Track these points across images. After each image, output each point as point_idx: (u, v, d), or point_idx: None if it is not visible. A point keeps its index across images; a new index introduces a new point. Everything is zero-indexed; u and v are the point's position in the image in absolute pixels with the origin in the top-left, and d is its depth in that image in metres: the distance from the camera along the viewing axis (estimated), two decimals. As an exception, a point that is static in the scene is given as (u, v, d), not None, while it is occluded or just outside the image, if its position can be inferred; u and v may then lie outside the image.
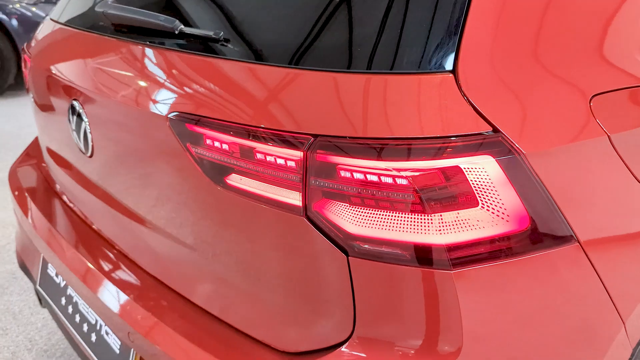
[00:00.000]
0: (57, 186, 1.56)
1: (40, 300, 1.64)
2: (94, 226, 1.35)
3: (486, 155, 0.79)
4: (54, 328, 2.18)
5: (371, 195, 0.78)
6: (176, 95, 0.96)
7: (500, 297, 0.83)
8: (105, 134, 1.16)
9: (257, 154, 0.84)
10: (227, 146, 0.87)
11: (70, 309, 1.39)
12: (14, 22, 5.09)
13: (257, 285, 0.93)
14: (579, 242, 0.85)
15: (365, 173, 0.78)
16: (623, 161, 0.91)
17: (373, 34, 0.83)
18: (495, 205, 0.79)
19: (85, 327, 1.33)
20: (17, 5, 5.17)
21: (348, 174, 0.79)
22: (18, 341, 2.11)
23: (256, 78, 0.88)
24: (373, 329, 0.84)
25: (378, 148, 0.77)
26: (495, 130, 0.79)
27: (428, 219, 0.78)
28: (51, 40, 1.41)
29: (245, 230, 0.91)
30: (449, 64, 0.80)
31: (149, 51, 1.05)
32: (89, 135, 1.20)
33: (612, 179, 0.90)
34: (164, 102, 0.96)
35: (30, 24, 5.12)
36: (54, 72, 1.31)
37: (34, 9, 5.26)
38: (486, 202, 0.79)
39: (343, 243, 0.81)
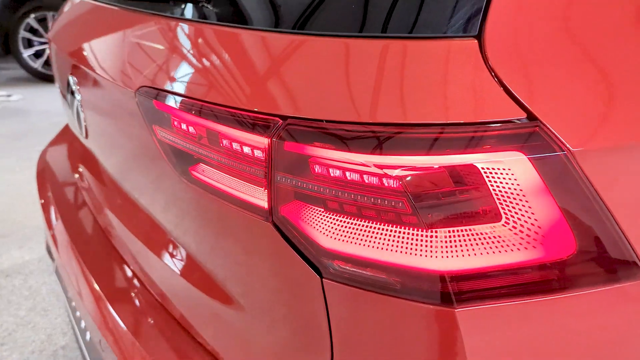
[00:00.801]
0: (76, 167, 1.47)
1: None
2: (98, 217, 1.24)
3: (516, 152, 0.56)
4: (91, 313, 2.13)
5: (352, 201, 0.59)
6: (145, 67, 0.80)
7: (530, 351, 0.60)
8: (94, 113, 1.03)
9: (222, 140, 0.67)
10: (192, 129, 0.70)
11: (73, 303, 1.29)
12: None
13: (227, 301, 0.76)
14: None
15: (344, 170, 0.58)
16: None
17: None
18: (526, 222, 0.57)
19: (82, 324, 1.22)
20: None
21: (324, 171, 0.59)
22: (56, 324, 2.08)
23: (227, 43, 0.70)
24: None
25: (361, 137, 0.57)
26: (532, 117, 0.57)
27: (426, 236, 0.57)
28: (62, 12, 1.31)
29: (213, 233, 0.74)
30: (472, 27, 0.59)
31: (131, 17, 0.90)
32: (81, 114, 1.07)
33: None
34: (133, 75, 0.81)
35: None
36: (56, 44, 1.20)
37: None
38: (513, 216, 0.57)
39: (316, 260, 0.62)
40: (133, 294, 0.99)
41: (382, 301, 0.59)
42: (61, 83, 1.30)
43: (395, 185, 0.56)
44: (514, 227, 0.57)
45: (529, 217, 0.57)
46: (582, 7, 0.61)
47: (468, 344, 0.57)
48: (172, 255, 0.88)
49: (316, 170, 0.59)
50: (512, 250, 0.57)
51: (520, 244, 0.57)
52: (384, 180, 0.56)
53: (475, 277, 0.57)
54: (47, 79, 5.74)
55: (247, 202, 0.65)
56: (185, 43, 0.76)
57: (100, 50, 0.94)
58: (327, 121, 0.59)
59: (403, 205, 0.56)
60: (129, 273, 1.04)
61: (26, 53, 5.70)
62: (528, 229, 0.57)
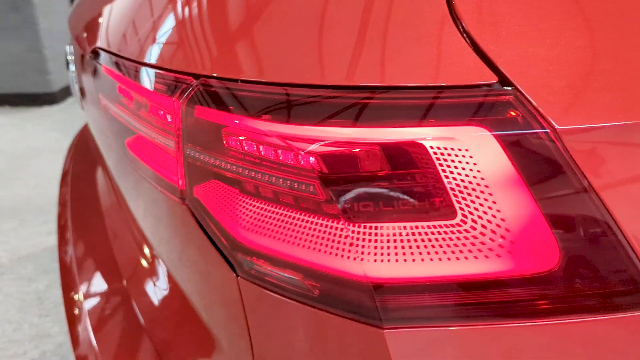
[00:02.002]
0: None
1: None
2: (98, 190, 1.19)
3: (479, 127, 0.42)
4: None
5: (268, 183, 0.46)
6: (98, 28, 0.72)
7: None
8: (80, 86, 0.97)
9: (141, 105, 0.57)
10: (123, 93, 0.61)
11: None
12: None
13: (161, 277, 0.67)
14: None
15: (261, 143, 0.46)
16: None
17: None
18: (490, 222, 0.43)
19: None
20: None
21: (238, 144, 0.48)
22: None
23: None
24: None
25: (274, 101, 0.45)
26: (505, 83, 0.42)
27: (351, 232, 0.44)
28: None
29: (151, 214, 0.65)
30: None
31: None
32: (75, 86, 1.02)
33: None
34: (91, 37, 0.73)
35: None
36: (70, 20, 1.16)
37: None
38: (472, 213, 0.43)
39: (229, 255, 0.50)
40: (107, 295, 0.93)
41: (299, 310, 0.47)
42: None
43: (311, 165, 0.43)
44: (472, 227, 0.43)
45: (494, 216, 0.42)
46: None
47: (402, 375, 0.44)
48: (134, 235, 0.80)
49: (229, 143, 0.48)
50: (469, 258, 0.43)
51: (481, 250, 0.43)
52: (299, 158, 0.44)
53: (416, 290, 0.43)
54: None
55: (166, 180, 0.55)
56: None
57: (80, 20, 0.88)
58: (241, 81, 0.47)
59: (316, 190, 0.43)
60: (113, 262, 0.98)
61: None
62: (492, 231, 0.43)
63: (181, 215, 0.54)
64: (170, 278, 0.70)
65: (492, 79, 0.42)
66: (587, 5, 0.43)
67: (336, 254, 0.44)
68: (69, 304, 0.84)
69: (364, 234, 0.43)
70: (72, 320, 0.81)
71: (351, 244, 0.43)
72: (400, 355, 0.43)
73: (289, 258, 0.46)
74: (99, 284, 0.89)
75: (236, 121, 0.47)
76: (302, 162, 0.43)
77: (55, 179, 3.04)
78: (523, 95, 0.41)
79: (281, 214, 0.46)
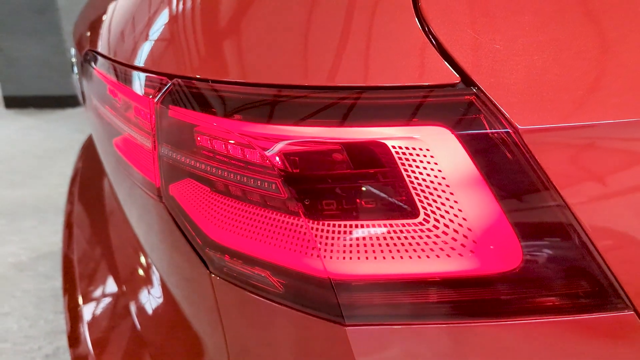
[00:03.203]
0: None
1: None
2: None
3: (440, 127, 0.42)
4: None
5: (236, 182, 0.47)
6: (90, 31, 0.73)
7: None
8: (82, 82, 0.99)
9: (126, 105, 0.58)
10: (111, 94, 0.63)
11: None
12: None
13: (153, 279, 0.68)
14: (635, 310, 0.43)
15: (227, 142, 0.47)
16: None
17: None
18: (452, 221, 0.43)
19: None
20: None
21: (209, 143, 0.49)
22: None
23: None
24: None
25: (251, 101, 0.46)
26: (468, 83, 0.42)
27: (313, 230, 0.44)
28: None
29: (135, 213, 0.66)
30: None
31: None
32: (78, 87, 1.04)
33: None
34: (85, 40, 0.75)
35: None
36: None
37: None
38: (435, 212, 0.43)
39: (202, 252, 0.51)
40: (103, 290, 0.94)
41: (267, 308, 0.48)
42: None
43: (274, 164, 0.44)
44: (434, 227, 0.43)
45: (456, 215, 0.42)
46: None
47: (364, 373, 0.44)
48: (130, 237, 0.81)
49: (201, 142, 0.49)
50: (431, 257, 0.43)
51: (443, 249, 0.43)
52: (263, 157, 0.44)
53: (377, 288, 0.44)
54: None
55: (146, 178, 0.56)
56: (110, 3, 0.68)
57: (80, 25, 0.90)
58: (212, 81, 0.48)
59: (279, 188, 0.44)
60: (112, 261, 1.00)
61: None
62: (455, 230, 0.43)
63: (160, 214, 0.55)
64: (163, 284, 0.71)
65: (455, 79, 0.42)
66: (548, 7, 0.43)
67: (299, 252, 0.44)
68: (70, 304, 0.86)
69: (326, 231, 0.43)
70: (72, 320, 0.83)
71: (313, 242, 0.44)
72: (362, 351, 0.44)
73: (256, 255, 0.47)
74: (98, 286, 0.91)
75: (206, 120, 0.48)
76: (266, 161, 0.44)
77: (75, 179, 3.10)
78: (485, 95, 0.41)
79: (248, 212, 0.47)
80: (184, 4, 0.53)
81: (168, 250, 0.58)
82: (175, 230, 0.53)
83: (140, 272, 0.75)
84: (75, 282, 0.92)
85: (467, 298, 0.43)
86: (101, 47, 0.62)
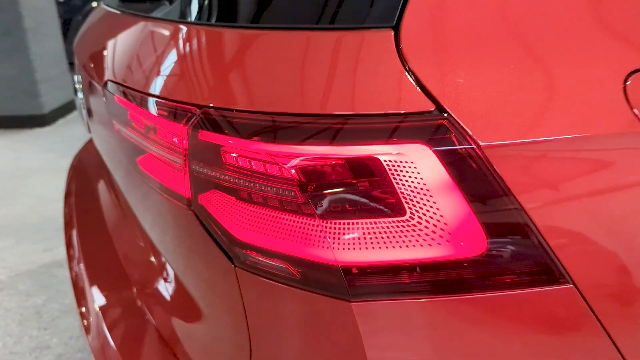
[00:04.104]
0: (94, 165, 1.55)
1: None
2: (101, 205, 1.31)
3: (420, 145, 0.55)
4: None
5: (258, 190, 0.59)
6: (110, 62, 0.84)
7: (436, 349, 0.58)
8: (91, 110, 1.09)
9: (151, 128, 0.69)
10: (137, 120, 0.73)
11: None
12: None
13: (174, 282, 0.78)
14: (574, 284, 0.57)
15: (251, 159, 0.59)
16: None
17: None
18: (432, 217, 0.55)
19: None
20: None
21: (234, 160, 0.60)
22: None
23: (162, 39, 0.72)
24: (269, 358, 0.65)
25: (262, 127, 0.57)
26: (441, 110, 0.55)
27: (323, 227, 0.56)
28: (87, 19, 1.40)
29: (157, 219, 0.77)
30: (390, 17, 0.58)
31: (112, 16, 0.96)
32: (84, 112, 1.14)
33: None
34: (101, 69, 0.85)
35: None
36: (75, 52, 1.28)
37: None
38: (418, 211, 0.55)
39: (228, 249, 0.62)
40: (118, 294, 1.04)
41: (285, 292, 0.59)
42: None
43: (292, 176, 0.56)
44: (418, 222, 0.55)
45: (435, 213, 0.55)
46: (513, 10, 0.58)
47: (366, 338, 0.56)
48: (144, 245, 0.91)
49: (227, 159, 0.60)
50: (415, 247, 0.55)
51: (425, 240, 0.55)
52: (283, 170, 0.56)
53: (375, 271, 0.56)
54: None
55: (174, 191, 0.67)
56: (130, 37, 0.79)
57: (90, 52, 1.00)
58: (236, 110, 0.59)
59: (297, 195, 0.55)
60: (119, 267, 1.09)
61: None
62: (434, 225, 0.55)
63: (187, 219, 0.66)
64: (177, 280, 0.82)
65: (431, 107, 0.55)
66: (502, 49, 0.56)
67: (313, 245, 0.56)
68: (85, 312, 0.95)
69: (335, 228, 0.55)
70: (88, 327, 0.92)
71: (324, 237, 0.55)
72: (364, 322, 0.55)
73: (276, 249, 0.59)
74: (109, 291, 1.00)
75: (231, 142, 0.59)
76: (285, 174, 0.56)
77: (50, 198, 3.14)
78: (454, 119, 0.54)
79: (269, 215, 0.59)
80: (212, 46, 0.65)
81: (192, 249, 0.69)
82: (203, 232, 0.64)
83: (155, 271, 0.85)
84: (85, 292, 1.01)
85: (444, 277, 0.56)
86: (131, 81, 0.73)
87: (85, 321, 0.93)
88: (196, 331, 0.76)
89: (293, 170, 0.55)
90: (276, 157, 0.56)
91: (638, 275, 0.57)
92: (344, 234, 0.55)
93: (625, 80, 0.58)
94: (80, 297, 1.00)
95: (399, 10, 0.58)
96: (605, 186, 0.56)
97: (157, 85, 0.67)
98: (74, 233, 1.24)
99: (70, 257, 1.17)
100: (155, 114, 0.65)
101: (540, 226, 0.55)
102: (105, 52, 0.86)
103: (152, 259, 0.88)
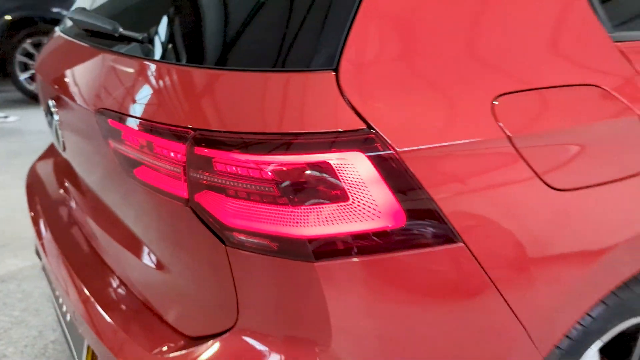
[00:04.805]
0: (59, 178, 1.70)
1: (50, 282, 1.78)
2: (74, 213, 1.47)
3: (357, 152, 0.79)
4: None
5: (243, 188, 0.82)
6: (101, 93, 1.03)
7: (374, 293, 0.83)
8: (68, 130, 1.26)
9: (154, 146, 0.90)
10: (135, 140, 0.94)
11: (57, 292, 1.51)
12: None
13: (163, 268, 0.99)
14: (465, 244, 0.84)
15: (236, 166, 0.81)
16: (528, 164, 0.88)
17: (254, 32, 0.86)
18: (367, 201, 0.80)
19: (64, 308, 1.44)
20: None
21: (222, 167, 0.82)
22: (47, 322, 2.29)
23: (161, 77, 0.94)
24: (253, 316, 0.87)
25: (247, 142, 0.80)
26: (370, 127, 0.80)
27: (294, 212, 0.80)
28: (46, 47, 1.55)
29: (152, 217, 0.97)
30: (331, 62, 0.82)
31: (92, 52, 1.14)
32: (59, 132, 1.31)
33: (511, 182, 0.87)
34: (93, 98, 1.04)
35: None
36: (39, 73, 1.44)
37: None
38: (357, 197, 0.80)
39: (220, 233, 0.85)
40: (108, 283, 1.22)
41: (266, 261, 0.82)
42: (44, 106, 1.54)
43: (270, 177, 0.79)
44: (358, 205, 0.80)
45: (369, 198, 0.80)
46: (416, 53, 0.85)
47: (326, 289, 0.80)
48: (125, 241, 1.11)
49: (217, 167, 0.83)
50: (357, 222, 0.80)
51: (364, 217, 0.80)
52: (263, 173, 0.79)
53: (330, 241, 0.80)
54: (43, 100, 5.99)
55: (174, 193, 0.88)
56: (129, 74, 0.99)
57: (71, 80, 1.18)
58: (224, 132, 0.82)
59: (274, 190, 0.79)
60: (101, 261, 1.27)
61: (22, 76, 5.96)
62: (369, 206, 0.80)
63: (185, 214, 0.87)
64: (160, 262, 1.02)
65: (362, 126, 0.80)
66: (411, 81, 0.82)
67: (286, 225, 0.80)
68: (83, 301, 1.13)
69: (302, 213, 0.79)
70: (89, 313, 1.10)
71: (294, 219, 0.79)
72: (324, 277, 0.80)
73: (258, 230, 0.82)
74: (98, 281, 1.19)
75: (220, 154, 0.82)
76: (264, 175, 0.79)
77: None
78: (379, 133, 0.80)
79: (252, 206, 0.81)
80: (200, 83, 0.87)
81: (188, 236, 0.90)
82: (199, 223, 0.86)
83: (140, 258, 1.05)
84: (80, 286, 1.19)
85: (376, 242, 0.81)
86: (132, 110, 0.93)
87: (85, 309, 1.11)
88: (186, 303, 0.98)
89: (269, 173, 0.79)
90: (259, 164, 0.79)
91: (512, 241, 0.86)
92: (308, 216, 0.79)
93: (493, 102, 0.87)
94: (69, 290, 1.17)
95: (337, 58, 0.82)
96: (485, 179, 0.84)
97: (157, 114, 0.88)
98: (49, 238, 1.40)
99: (49, 256, 1.33)
100: (159, 136, 0.86)
101: (442, 206, 0.81)
102: (99, 84, 1.05)
103: (137, 248, 1.08)
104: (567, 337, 1.01)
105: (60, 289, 1.29)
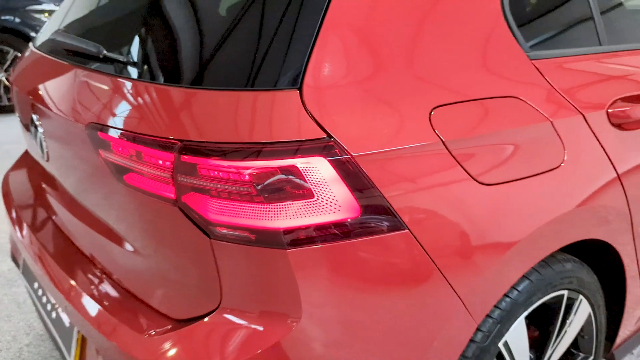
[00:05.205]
0: (36, 189, 1.80)
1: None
2: (55, 219, 1.58)
3: (319, 157, 0.96)
4: (50, 316, 2.43)
5: (224, 189, 0.97)
6: (92, 109, 1.17)
7: (337, 273, 1.00)
8: (54, 142, 1.39)
9: (145, 156, 1.04)
10: (125, 150, 1.08)
11: (40, 292, 1.62)
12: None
13: (151, 262, 1.14)
14: (409, 231, 1.02)
15: (218, 171, 0.97)
16: (459, 163, 1.07)
17: (233, 57, 1.02)
18: (329, 198, 0.97)
19: (48, 307, 1.55)
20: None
21: (206, 172, 0.98)
22: (19, 327, 2.37)
23: (146, 95, 1.08)
24: (235, 297, 1.03)
25: (227, 150, 0.96)
26: (330, 136, 0.97)
27: (268, 208, 0.96)
28: (24, 63, 1.66)
29: (141, 217, 1.12)
30: (295, 82, 0.99)
31: (79, 72, 1.28)
32: (44, 143, 1.43)
33: (446, 178, 1.06)
34: (83, 114, 1.18)
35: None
36: (22, 91, 1.55)
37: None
38: (321, 195, 0.97)
39: (205, 228, 1.00)
40: (95, 278, 1.35)
41: (245, 250, 0.98)
42: (22, 116, 1.64)
43: (248, 179, 0.95)
44: (322, 201, 0.97)
45: (331, 195, 0.97)
46: (366, 74, 1.02)
47: (297, 271, 0.97)
48: (112, 238, 1.24)
49: (200, 172, 0.98)
50: (321, 215, 0.97)
51: (327, 211, 0.97)
52: (241, 176, 0.95)
53: (300, 231, 0.97)
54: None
55: (162, 195, 1.03)
56: (121, 94, 1.14)
57: (59, 97, 1.31)
58: (206, 142, 0.98)
59: (252, 190, 0.95)
60: (81, 260, 1.40)
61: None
62: (331, 202, 0.97)
63: (172, 213, 1.02)
64: (145, 257, 1.16)
65: (323, 135, 0.97)
66: (361, 97, 1.00)
67: (263, 218, 0.96)
68: (74, 295, 1.26)
69: (275, 209, 0.96)
70: (80, 305, 1.23)
71: (270, 214, 0.96)
72: (295, 262, 0.96)
73: (238, 224, 0.98)
74: (84, 276, 1.31)
75: (204, 161, 0.97)
76: (242, 178, 0.95)
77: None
78: (337, 141, 0.97)
79: (232, 204, 0.97)
80: (184, 101, 1.02)
81: (174, 232, 1.05)
82: (186, 220, 1.01)
83: (124, 253, 1.19)
84: (69, 282, 1.31)
85: (336, 231, 0.98)
86: (123, 124, 1.07)
87: (73, 300, 1.24)
88: (172, 290, 1.12)
89: (247, 176, 0.95)
90: (238, 169, 0.95)
91: (451, 229, 1.04)
92: (280, 211, 0.96)
93: (431, 112, 1.05)
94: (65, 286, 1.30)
95: (300, 79, 0.99)
96: (425, 177, 1.02)
97: (147, 128, 1.03)
98: (33, 239, 1.51)
99: (33, 257, 1.44)
100: (149, 147, 1.01)
101: (390, 200, 0.99)
102: (89, 101, 1.19)
103: (120, 243, 1.22)
104: (497, 307, 1.21)
105: (47, 286, 1.40)
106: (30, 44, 1.77)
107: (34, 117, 1.44)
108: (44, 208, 1.65)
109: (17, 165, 2.02)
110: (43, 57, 1.49)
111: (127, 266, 1.24)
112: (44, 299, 1.59)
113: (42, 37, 1.68)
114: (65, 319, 1.44)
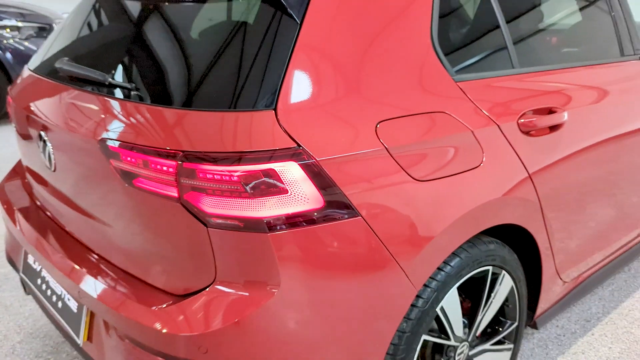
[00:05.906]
0: (35, 195, 2.03)
1: (24, 287, 2.09)
2: (58, 220, 1.82)
3: (292, 162, 1.26)
4: (39, 315, 2.63)
5: (217, 188, 1.26)
6: (103, 126, 1.43)
7: (307, 251, 1.29)
8: (62, 154, 1.63)
9: (152, 164, 1.31)
10: (134, 159, 1.35)
11: (44, 287, 1.85)
12: (8, 55, 5.64)
13: (155, 249, 1.41)
14: (362, 217, 1.32)
15: (212, 174, 1.25)
16: (399, 164, 1.38)
17: (221, 84, 1.31)
18: (299, 193, 1.26)
19: (54, 298, 1.79)
20: (11, 40, 5.74)
21: (203, 175, 1.26)
22: (9, 327, 2.56)
23: (151, 115, 1.36)
24: (227, 273, 1.31)
25: (218, 158, 1.24)
26: (299, 145, 1.26)
27: (253, 202, 1.25)
28: (25, 84, 1.89)
29: (147, 213, 1.38)
30: (270, 104, 1.28)
31: (87, 96, 1.54)
32: (52, 156, 1.67)
33: (389, 176, 1.37)
34: (94, 131, 1.44)
35: (22, 57, 5.68)
36: (26, 109, 1.79)
37: (26, 43, 5.83)
38: (294, 192, 1.26)
39: (203, 219, 1.28)
40: (101, 266, 1.60)
41: (236, 235, 1.27)
42: (20, 129, 1.88)
43: (237, 180, 1.24)
44: (294, 196, 1.26)
45: (301, 191, 1.26)
46: (327, 96, 1.32)
47: (276, 250, 1.26)
48: (114, 234, 1.50)
49: (199, 175, 1.26)
50: (293, 206, 1.26)
51: (300, 203, 1.26)
52: (232, 178, 1.24)
53: (278, 218, 1.26)
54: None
55: (168, 195, 1.31)
56: (130, 115, 1.40)
57: (70, 116, 1.56)
58: (201, 152, 1.26)
59: (241, 188, 1.24)
60: (88, 252, 1.64)
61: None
62: (301, 196, 1.26)
63: (175, 208, 1.30)
64: (149, 245, 1.43)
65: (294, 144, 1.27)
66: (324, 116, 1.30)
67: (249, 210, 1.24)
68: (85, 280, 1.51)
69: (260, 202, 1.24)
70: (92, 288, 1.48)
71: (255, 206, 1.24)
72: (275, 242, 1.25)
73: (229, 216, 1.26)
74: (93, 266, 1.57)
75: (201, 166, 1.25)
76: (233, 179, 1.23)
77: None
78: (305, 150, 1.27)
79: (225, 199, 1.25)
80: (182, 121, 1.30)
81: (177, 224, 1.32)
82: (187, 213, 1.28)
83: (128, 244, 1.45)
84: (74, 268, 1.56)
85: (306, 219, 1.27)
86: (133, 139, 1.34)
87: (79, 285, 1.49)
88: (173, 271, 1.39)
89: (236, 177, 1.24)
90: (230, 172, 1.23)
91: (398, 219, 1.35)
92: (262, 204, 1.25)
93: (376, 125, 1.36)
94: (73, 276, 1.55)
95: (275, 101, 1.28)
96: (374, 176, 1.33)
97: (153, 141, 1.30)
98: (42, 240, 1.75)
99: (41, 253, 1.68)
100: (156, 157, 1.29)
101: (347, 193, 1.29)
102: (102, 120, 1.45)
103: (116, 237, 1.48)
104: (433, 279, 1.52)
105: (57, 278, 1.65)
106: (27, 67, 2.01)
107: (42, 134, 1.68)
108: (45, 210, 1.88)
109: (10, 176, 2.24)
110: (48, 82, 1.74)
111: (131, 255, 1.50)
112: (49, 292, 1.82)
113: (39, 59, 1.92)
114: (73, 306, 1.68)
